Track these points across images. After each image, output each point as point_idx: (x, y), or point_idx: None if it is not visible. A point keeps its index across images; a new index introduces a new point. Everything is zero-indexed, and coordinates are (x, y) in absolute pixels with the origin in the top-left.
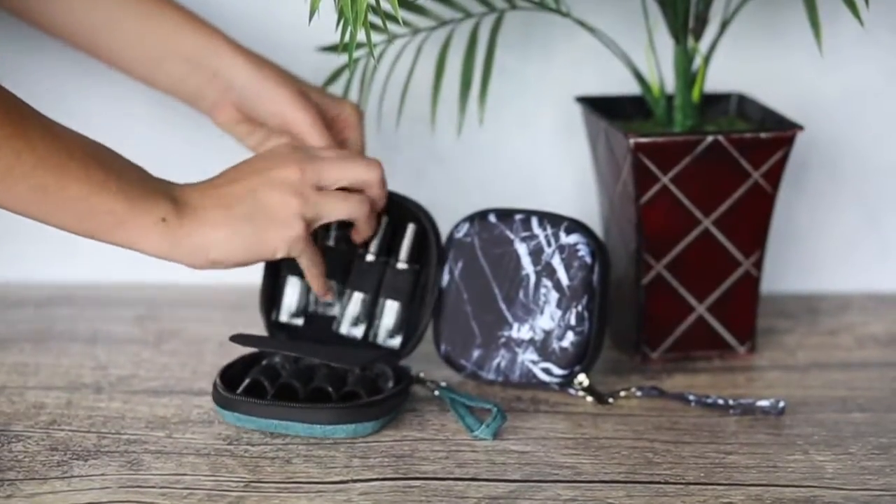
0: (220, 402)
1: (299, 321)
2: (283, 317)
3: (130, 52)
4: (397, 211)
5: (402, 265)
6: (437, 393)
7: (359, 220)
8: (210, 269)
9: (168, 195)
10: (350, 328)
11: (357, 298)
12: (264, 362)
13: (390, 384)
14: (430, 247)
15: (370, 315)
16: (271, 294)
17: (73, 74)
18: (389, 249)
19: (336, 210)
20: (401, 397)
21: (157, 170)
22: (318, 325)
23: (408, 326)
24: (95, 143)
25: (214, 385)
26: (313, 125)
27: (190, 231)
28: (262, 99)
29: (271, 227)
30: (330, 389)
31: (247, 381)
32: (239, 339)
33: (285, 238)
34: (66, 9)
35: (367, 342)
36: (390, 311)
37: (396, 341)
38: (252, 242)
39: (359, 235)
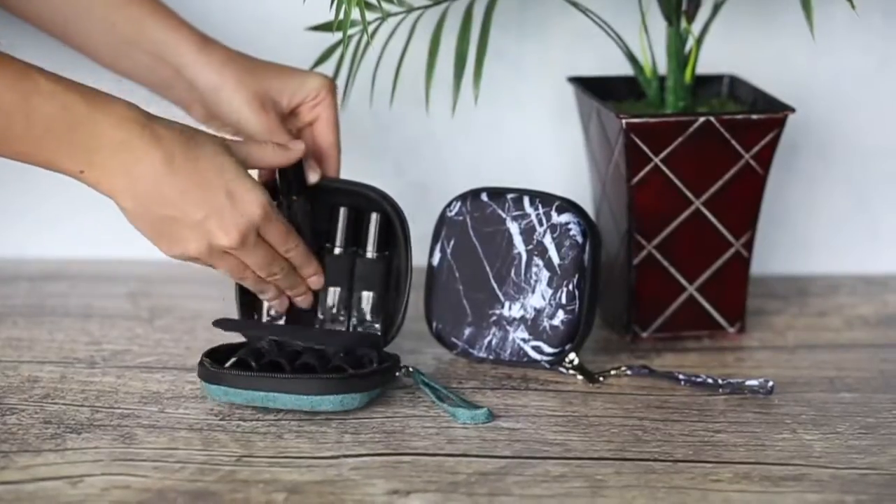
0: (207, 376)
1: (280, 322)
2: (264, 318)
3: (98, 40)
4: (359, 201)
5: (370, 254)
6: (415, 380)
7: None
8: None
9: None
10: (331, 325)
11: (333, 293)
12: (249, 346)
13: (375, 365)
14: (396, 232)
15: (348, 308)
16: (250, 296)
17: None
18: (357, 240)
19: (230, 272)
20: (388, 373)
21: None
22: (299, 324)
23: (386, 314)
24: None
25: (200, 362)
26: (268, 132)
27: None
28: (221, 102)
29: (171, 245)
30: (316, 364)
31: (233, 359)
32: (223, 323)
33: (175, 254)
34: None
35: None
36: (366, 301)
37: (377, 331)
38: (152, 237)
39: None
